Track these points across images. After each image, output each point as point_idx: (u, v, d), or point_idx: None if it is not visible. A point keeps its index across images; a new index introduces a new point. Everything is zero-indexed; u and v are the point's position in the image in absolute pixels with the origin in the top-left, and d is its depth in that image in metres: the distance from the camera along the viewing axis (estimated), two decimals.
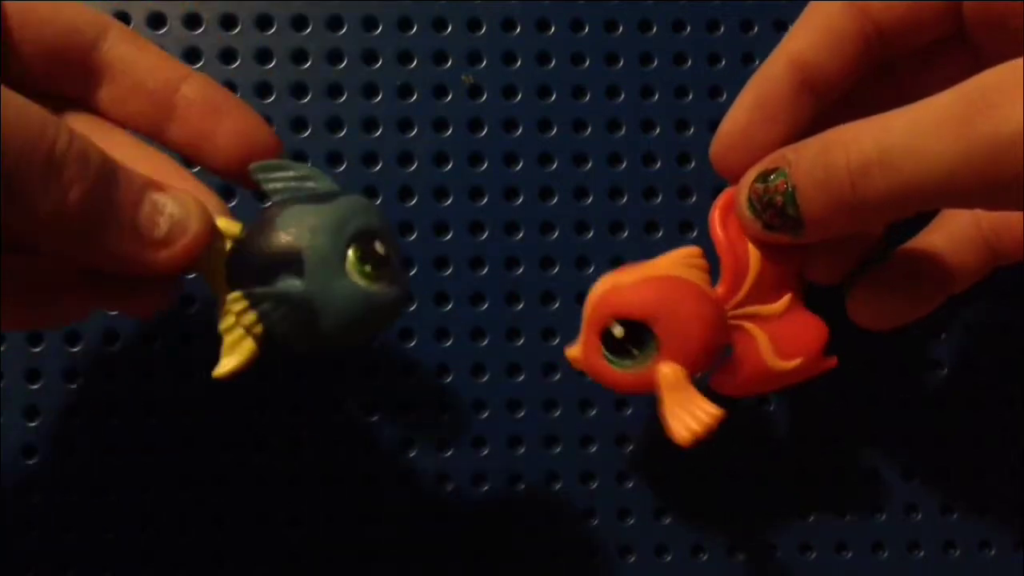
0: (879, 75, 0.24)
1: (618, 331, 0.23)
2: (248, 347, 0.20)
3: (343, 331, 0.20)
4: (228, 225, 0.21)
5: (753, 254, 0.23)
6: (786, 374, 0.24)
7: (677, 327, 0.23)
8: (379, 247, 0.20)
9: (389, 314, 0.21)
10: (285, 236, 0.20)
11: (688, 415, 0.22)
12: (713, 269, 0.24)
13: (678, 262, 0.23)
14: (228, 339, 0.20)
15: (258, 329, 0.20)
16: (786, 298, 0.24)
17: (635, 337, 0.23)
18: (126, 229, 0.19)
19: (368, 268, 0.20)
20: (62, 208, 0.18)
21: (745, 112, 0.23)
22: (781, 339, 0.24)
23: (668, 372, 0.23)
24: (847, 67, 0.23)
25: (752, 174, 0.22)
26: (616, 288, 0.23)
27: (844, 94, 0.24)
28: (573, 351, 0.24)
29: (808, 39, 0.23)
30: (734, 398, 0.25)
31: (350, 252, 0.20)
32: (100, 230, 0.19)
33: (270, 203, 0.21)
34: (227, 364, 0.20)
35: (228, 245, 0.21)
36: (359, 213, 0.20)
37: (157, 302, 0.21)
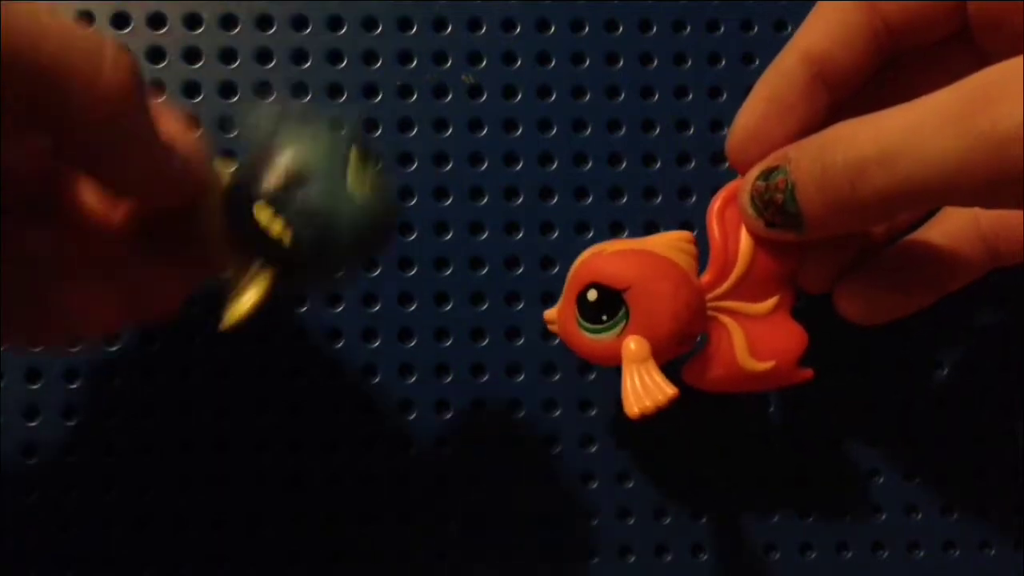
0: (889, 74, 0.24)
1: (592, 295, 0.23)
2: (261, 286, 0.21)
3: (356, 237, 0.21)
4: (221, 166, 0.21)
5: (744, 249, 0.23)
6: (757, 376, 0.24)
7: (649, 301, 0.23)
8: (372, 156, 0.21)
9: (392, 219, 0.22)
10: (289, 156, 0.20)
11: (643, 389, 0.22)
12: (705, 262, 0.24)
13: (668, 243, 0.24)
14: (240, 283, 0.21)
15: (287, 236, 0.20)
16: (772, 301, 0.24)
17: (609, 305, 0.23)
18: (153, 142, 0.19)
19: (367, 175, 0.21)
20: (120, 82, 0.17)
21: (760, 106, 0.23)
22: (758, 340, 0.24)
23: (633, 344, 0.23)
24: (859, 61, 0.23)
25: (755, 172, 0.23)
26: (599, 254, 0.24)
27: (856, 90, 0.24)
28: (551, 313, 0.24)
29: (820, 33, 0.23)
30: (706, 393, 0.25)
31: (351, 160, 0.21)
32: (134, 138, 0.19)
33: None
34: (247, 302, 0.21)
35: (221, 188, 0.21)
36: (345, 129, 0.21)
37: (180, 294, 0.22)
